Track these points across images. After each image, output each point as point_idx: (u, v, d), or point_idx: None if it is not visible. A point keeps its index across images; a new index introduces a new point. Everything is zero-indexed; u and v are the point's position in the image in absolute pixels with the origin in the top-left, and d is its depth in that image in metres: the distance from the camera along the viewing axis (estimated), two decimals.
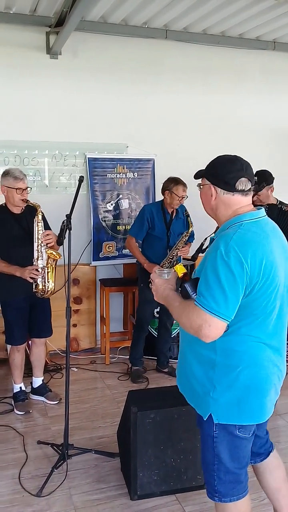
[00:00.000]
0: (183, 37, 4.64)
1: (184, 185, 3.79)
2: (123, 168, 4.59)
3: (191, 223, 3.86)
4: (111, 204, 4.57)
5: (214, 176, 1.78)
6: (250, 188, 1.77)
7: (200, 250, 3.42)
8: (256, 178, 3.63)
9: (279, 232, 1.82)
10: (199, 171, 1.88)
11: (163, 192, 3.87)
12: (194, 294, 1.69)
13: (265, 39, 4.92)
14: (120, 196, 4.60)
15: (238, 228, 1.68)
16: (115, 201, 4.59)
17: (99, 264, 4.58)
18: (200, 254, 3.43)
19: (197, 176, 1.89)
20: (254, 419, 1.79)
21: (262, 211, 1.80)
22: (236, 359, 1.72)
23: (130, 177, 4.62)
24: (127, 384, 3.92)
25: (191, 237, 3.95)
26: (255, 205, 3.88)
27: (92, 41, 4.43)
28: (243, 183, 1.74)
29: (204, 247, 3.40)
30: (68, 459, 2.79)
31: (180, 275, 1.81)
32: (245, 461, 1.87)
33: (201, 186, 1.86)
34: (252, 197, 3.62)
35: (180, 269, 1.82)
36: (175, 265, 3.68)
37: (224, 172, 1.76)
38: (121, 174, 4.59)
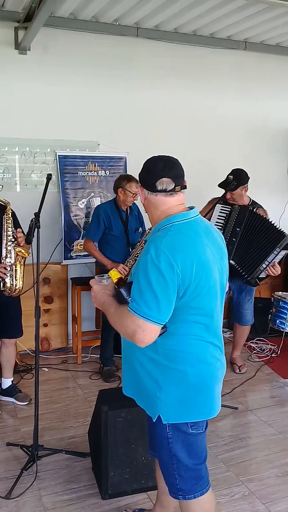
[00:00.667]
0: (155, 35, 4.64)
1: (136, 181, 3.77)
2: (95, 166, 4.55)
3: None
4: (83, 203, 4.53)
5: (140, 178, 1.83)
6: (174, 188, 1.75)
7: None
8: (231, 176, 3.66)
9: (213, 231, 1.85)
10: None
11: (115, 190, 3.85)
12: (129, 298, 1.69)
13: (236, 38, 4.96)
14: (92, 194, 4.56)
15: (168, 231, 1.69)
16: (87, 199, 4.55)
17: (70, 263, 4.53)
18: None
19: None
20: (204, 415, 1.82)
21: (195, 211, 1.80)
22: (180, 359, 1.74)
23: (102, 175, 4.59)
24: (99, 383, 3.89)
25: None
26: (228, 204, 3.94)
27: (63, 38, 4.38)
28: (164, 183, 1.74)
29: None
30: (38, 460, 2.76)
31: (115, 280, 1.79)
32: (203, 455, 1.90)
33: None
34: (226, 195, 3.67)
35: (114, 275, 1.80)
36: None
37: (146, 173, 1.80)
38: (93, 172, 4.55)
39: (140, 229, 4.00)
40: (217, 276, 1.76)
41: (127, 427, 2.51)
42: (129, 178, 3.79)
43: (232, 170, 3.75)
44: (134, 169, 4.71)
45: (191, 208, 1.81)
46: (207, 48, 4.94)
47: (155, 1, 3.97)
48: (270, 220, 3.66)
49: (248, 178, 3.76)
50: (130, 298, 1.68)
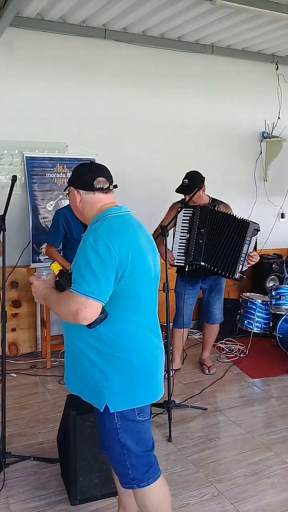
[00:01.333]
0: (122, 37, 4.64)
1: None
2: (63, 167, 4.51)
3: None
4: (51, 205, 4.48)
5: (74, 181, 1.96)
6: (109, 187, 1.94)
7: None
8: (186, 180, 3.70)
9: (143, 227, 2.00)
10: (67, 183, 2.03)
11: None
12: (69, 287, 1.77)
13: (204, 42, 5.02)
14: (61, 196, 4.52)
15: (104, 221, 1.84)
16: (55, 201, 4.50)
17: (38, 266, 4.47)
18: None
19: (65, 189, 2.08)
20: (149, 399, 1.91)
21: (126, 208, 1.96)
22: (123, 347, 1.83)
23: None
24: None
25: None
26: (189, 206, 3.98)
27: (29, 38, 4.33)
28: (101, 182, 1.92)
29: None
30: (5, 467, 2.71)
31: (56, 272, 1.89)
32: (151, 443, 1.98)
33: (68, 195, 2.01)
34: (188, 201, 3.70)
35: (55, 267, 1.90)
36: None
37: (82, 175, 1.94)
38: (61, 174, 4.51)
39: None
40: (152, 264, 1.90)
41: (96, 432, 2.47)
42: None
43: (187, 173, 3.79)
44: None
45: (122, 206, 1.96)
46: (175, 52, 4.98)
47: (123, 3, 3.97)
48: (231, 214, 3.73)
49: (203, 178, 3.79)
50: (69, 287, 1.77)
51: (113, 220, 1.85)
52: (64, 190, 2.08)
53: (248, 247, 3.64)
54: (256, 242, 3.79)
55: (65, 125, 4.56)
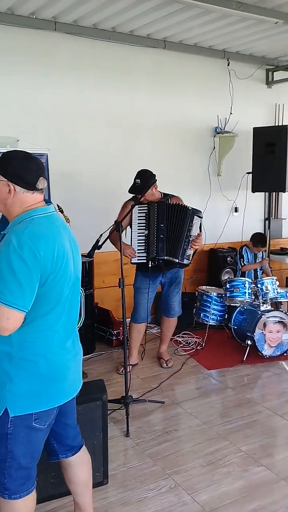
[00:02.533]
0: (73, 30, 4.57)
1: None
2: None
3: (68, 219, 3.80)
4: None
5: (13, 174, 1.76)
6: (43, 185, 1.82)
7: (96, 246, 3.42)
8: (138, 180, 3.71)
9: (67, 227, 1.93)
10: None
11: None
12: None
13: (156, 37, 5.01)
14: None
15: (29, 223, 1.73)
16: None
17: None
18: (96, 251, 3.44)
19: None
20: (51, 403, 1.83)
21: (52, 207, 1.87)
22: (32, 350, 1.76)
23: None
24: None
25: None
26: (144, 203, 4.00)
27: None
28: (42, 182, 1.80)
29: (99, 243, 3.40)
30: None
31: None
32: (38, 455, 1.90)
33: None
34: (139, 199, 3.71)
35: None
36: None
37: (24, 170, 1.77)
38: None
39: None
40: (73, 268, 1.85)
41: None
42: None
43: (138, 173, 3.80)
44: (56, 166, 4.67)
45: (48, 204, 1.86)
46: (127, 46, 4.95)
47: None
48: (183, 204, 3.83)
49: (155, 175, 3.80)
50: None
51: (39, 223, 1.74)
52: None
53: (191, 231, 3.77)
54: (200, 227, 3.87)
55: (16, 119, 4.45)
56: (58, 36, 4.56)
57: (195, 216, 3.79)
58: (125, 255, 3.64)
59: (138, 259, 3.83)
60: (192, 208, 3.80)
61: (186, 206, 3.81)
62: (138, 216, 3.82)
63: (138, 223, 3.82)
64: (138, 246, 3.83)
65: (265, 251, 5.31)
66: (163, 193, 3.96)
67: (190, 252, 3.84)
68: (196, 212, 3.80)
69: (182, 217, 3.76)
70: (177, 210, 3.78)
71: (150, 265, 3.80)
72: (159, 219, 3.76)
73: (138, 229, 3.83)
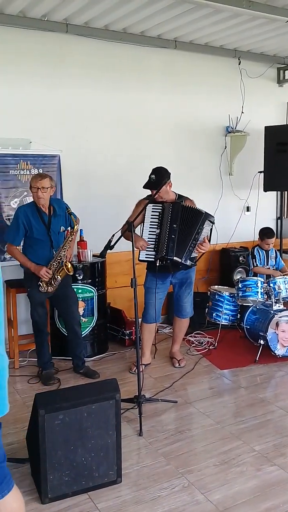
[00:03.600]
0: (84, 32, 4.60)
1: (38, 176, 3.75)
2: (27, 164, 4.45)
3: (76, 221, 3.83)
4: (15, 202, 4.41)
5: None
6: None
7: (108, 246, 3.44)
8: (153, 176, 3.71)
9: None
10: None
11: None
12: None
13: (167, 37, 5.03)
14: (25, 193, 4.45)
15: None
16: (20, 198, 4.44)
17: (4, 265, 4.40)
18: (109, 251, 3.46)
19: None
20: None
21: None
22: None
23: (35, 174, 4.49)
24: (37, 387, 3.81)
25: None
26: (157, 202, 4.02)
27: None
28: None
29: (112, 243, 3.42)
30: None
31: None
32: (2, 454, 1.91)
33: None
34: (154, 195, 3.73)
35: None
36: (64, 265, 3.67)
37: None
38: (25, 171, 4.45)
39: (62, 227, 3.92)
40: None
41: (65, 429, 2.48)
42: (35, 175, 3.78)
43: (153, 169, 3.80)
44: (68, 167, 4.71)
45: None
46: (138, 47, 4.97)
47: None
48: (198, 208, 3.81)
49: (169, 173, 3.82)
50: None
51: None
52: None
53: (200, 234, 3.74)
54: (210, 234, 3.86)
55: (28, 121, 4.49)
56: (69, 38, 4.59)
57: (206, 220, 3.75)
58: (136, 247, 3.64)
59: (146, 257, 3.84)
60: (205, 212, 3.77)
61: (200, 209, 3.78)
62: (152, 215, 3.82)
63: (151, 222, 3.82)
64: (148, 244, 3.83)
65: (272, 243, 5.12)
66: (178, 194, 3.97)
67: (195, 254, 3.83)
68: (208, 216, 3.77)
69: (194, 220, 3.74)
70: (191, 212, 3.76)
71: (157, 264, 3.80)
72: (173, 220, 3.76)
73: (150, 227, 3.83)
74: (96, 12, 4.25)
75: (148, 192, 3.84)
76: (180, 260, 3.76)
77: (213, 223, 3.84)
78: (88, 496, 2.55)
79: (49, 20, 4.37)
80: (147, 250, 3.82)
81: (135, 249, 3.42)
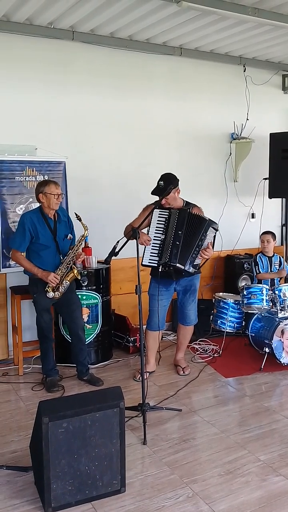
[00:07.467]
0: (90, 39, 4.62)
1: (55, 183, 3.77)
2: (33, 170, 4.46)
3: (86, 227, 3.83)
4: (21, 209, 4.42)
5: None
6: None
7: (113, 253, 3.43)
8: (162, 182, 3.71)
9: None
10: None
11: (38, 198, 3.79)
12: None
13: (172, 44, 5.05)
14: (31, 200, 4.46)
15: None
16: (25, 205, 4.44)
17: (9, 271, 4.40)
18: (113, 258, 3.45)
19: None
20: None
21: None
22: None
23: (40, 180, 4.50)
24: (41, 394, 3.79)
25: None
26: (165, 208, 4.01)
27: None
28: None
29: (116, 250, 3.42)
30: None
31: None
32: None
33: None
34: (161, 200, 3.72)
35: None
36: (72, 270, 3.67)
37: None
38: (31, 177, 4.45)
39: (70, 235, 3.93)
40: None
41: (69, 438, 2.46)
42: (47, 182, 3.78)
43: (161, 175, 3.80)
44: (73, 174, 4.71)
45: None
46: (143, 54, 4.98)
47: (90, 5, 3.96)
48: (202, 215, 3.79)
49: (178, 180, 3.81)
50: None
51: None
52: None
53: (203, 241, 3.72)
54: (214, 241, 3.84)
55: (34, 128, 4.51)
56: (75, 45, 4.61)
57: (210, 227, 3.73)
58: (140, 243, 3.62)
59: (149, 262, 3.82)
60: (209, 219, 3.75)
61: (204, 216, 3.77)
62: (158, 220, 3.81)
63: (156, 227, 3.81)
64: (152, 249, 3.81)
65: (269, 241, 5.07)
66: (186, 201, 3.96)
67: (198, 261, 3.81)
68: (212, 223, 3.75)
69: (197, 227, 3.72)
70: (196, 219, 3.75)
71: (160, 270, 3.78)
72: (178, 226, 3.74)
73: (155, 233, 3.81)
74: (102, 19, 4.27)
75: (156, 198, 3.83)
76: (182, 267, 3.74)
77: (217, 230, 3.82)
78: (92, 506, 2.52)
79: (55, 27, 4.40)
80: (150, 255, 3.80)
81: (139, 245, 3.41)
